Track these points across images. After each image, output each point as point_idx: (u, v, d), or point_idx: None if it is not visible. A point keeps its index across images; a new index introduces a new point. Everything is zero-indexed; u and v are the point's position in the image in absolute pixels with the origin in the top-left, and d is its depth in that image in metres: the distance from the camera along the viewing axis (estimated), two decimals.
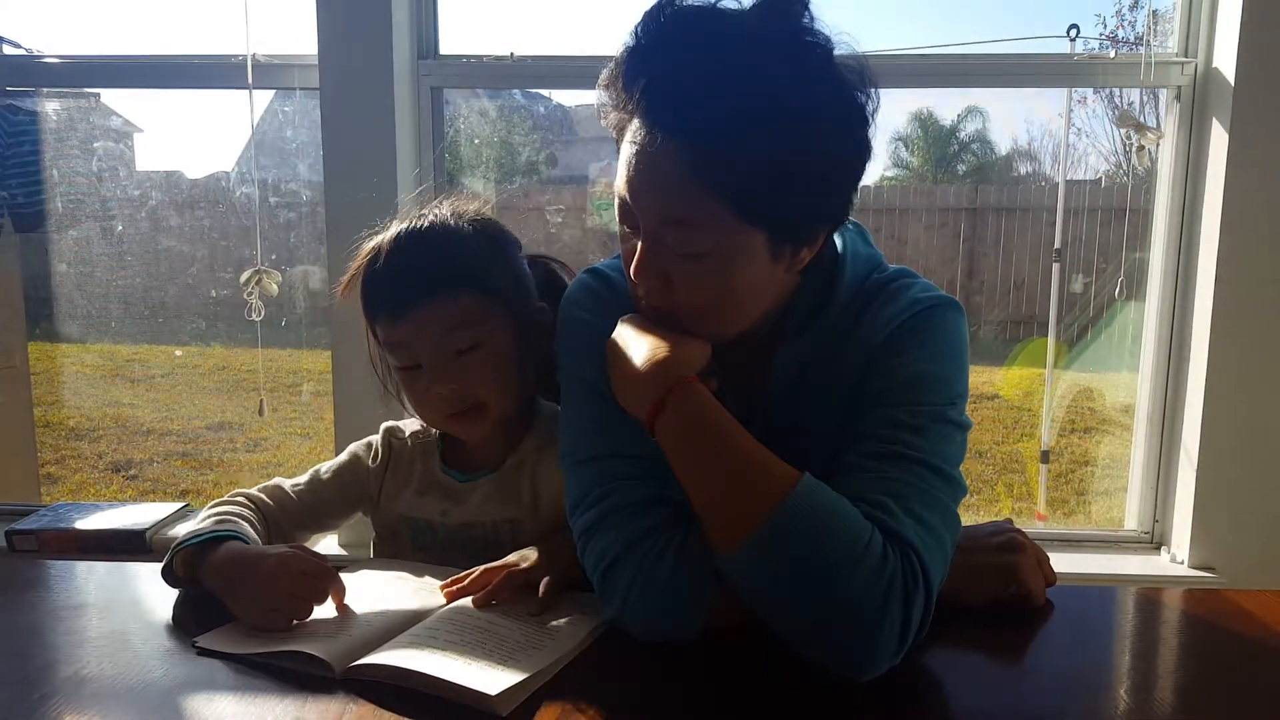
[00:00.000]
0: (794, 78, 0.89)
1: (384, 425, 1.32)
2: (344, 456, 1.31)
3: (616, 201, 0.98)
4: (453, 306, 1.15)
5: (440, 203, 1.24)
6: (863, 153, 0.96)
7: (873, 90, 0.94)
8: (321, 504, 1.27)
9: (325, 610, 1.03)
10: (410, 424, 1.31)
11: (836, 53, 0.93)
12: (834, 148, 0.93)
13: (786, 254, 0.97)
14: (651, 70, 0.91)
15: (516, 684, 0.86)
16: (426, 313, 1.15)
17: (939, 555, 0.91)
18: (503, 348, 1.19)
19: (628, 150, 0.94)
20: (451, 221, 1.20)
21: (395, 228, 1.20)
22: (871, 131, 0.95)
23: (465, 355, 1.16)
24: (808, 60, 0.91)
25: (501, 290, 1.19)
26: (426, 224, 1.20)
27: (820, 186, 0.94)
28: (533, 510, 1.22)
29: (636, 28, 0.93)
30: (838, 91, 0.92)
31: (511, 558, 1.11)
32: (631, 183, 0.94)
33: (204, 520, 1.15)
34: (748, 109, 0.87)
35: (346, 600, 1.05)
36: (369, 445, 1.31)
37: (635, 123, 0.93)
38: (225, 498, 1.22)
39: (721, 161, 0.89)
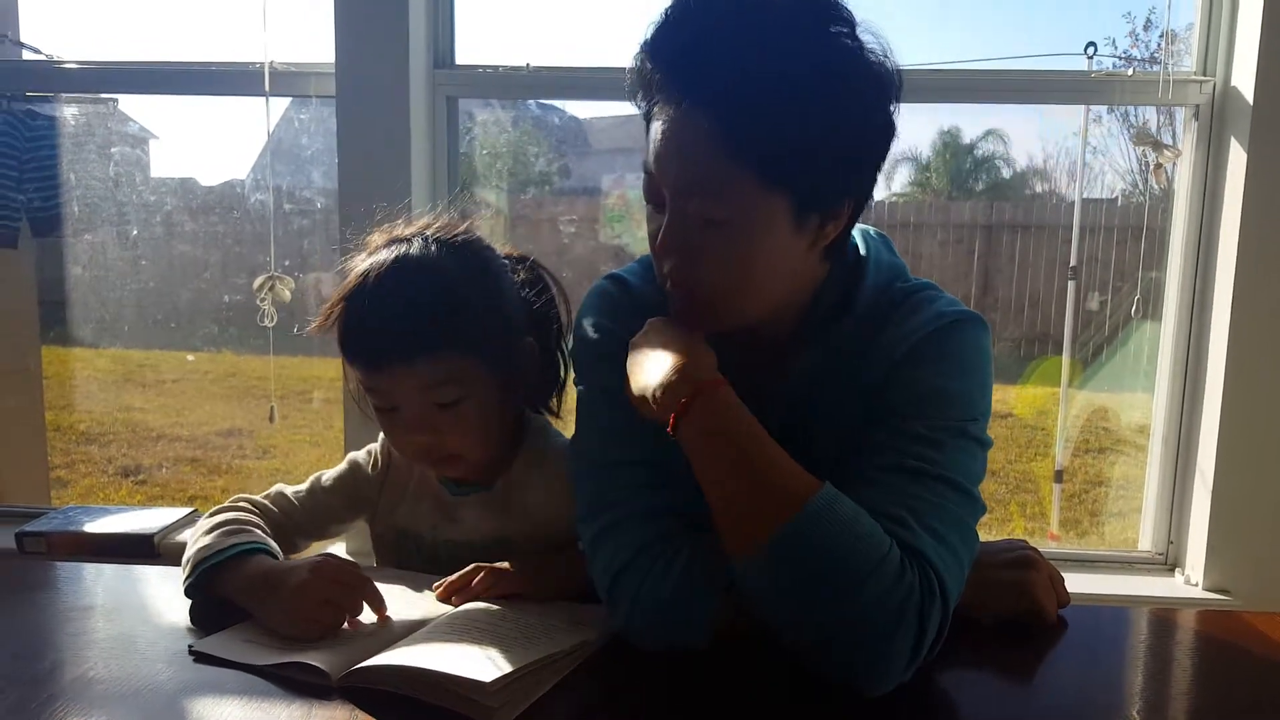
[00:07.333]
0: (820, 44, 0.90)
1: (383, 435, 1.29)
2: (343, 465, 1.30)
3: (644, 179, 0.98)
4: (436, 368, 1.11)
5: (422, 222, 1.18)
6: (887, 127, 0.96)
7: (897, 71, 0.95)
8: (324, 511, 1.26)
9: (365, 618, 1.02)
10: None
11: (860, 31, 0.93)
12: (857, 115, 0.93)
13: (811, 225, 0.96)
14: (678, 42, 0.92)
15: (509, 672, 0.85)
16: (406, 371, 1.11)
17: (956, 572, 0.90)
18: (485, 399, 1.15)
19: (656, 125, 0.95)
20: (436, 258, 1.13)
21: (377, 263, 1.12)
22: (895, 111, 0.96)
23: (446, 409, 1.13)
24: (833, 28, 0.92)
25: (488, 340, 1.14)
26: (410, 268, 1.12)
27: (844, 152, 0.93)
28: (525, 528, 1.20)
29: (666, 7, 0.93)
30: (863, 60, 0.93)
31: (504, 564, 1.10)
32: (658, 152, 0.94)
33: (213, 532, 1.11)
34: (772, 75, 0.88)
35: None
36: (369, 453, 1.30)
37: (663, 95, 0.94)
38: (229, 503, 1.20)
39: (745, 125, 0.89)
